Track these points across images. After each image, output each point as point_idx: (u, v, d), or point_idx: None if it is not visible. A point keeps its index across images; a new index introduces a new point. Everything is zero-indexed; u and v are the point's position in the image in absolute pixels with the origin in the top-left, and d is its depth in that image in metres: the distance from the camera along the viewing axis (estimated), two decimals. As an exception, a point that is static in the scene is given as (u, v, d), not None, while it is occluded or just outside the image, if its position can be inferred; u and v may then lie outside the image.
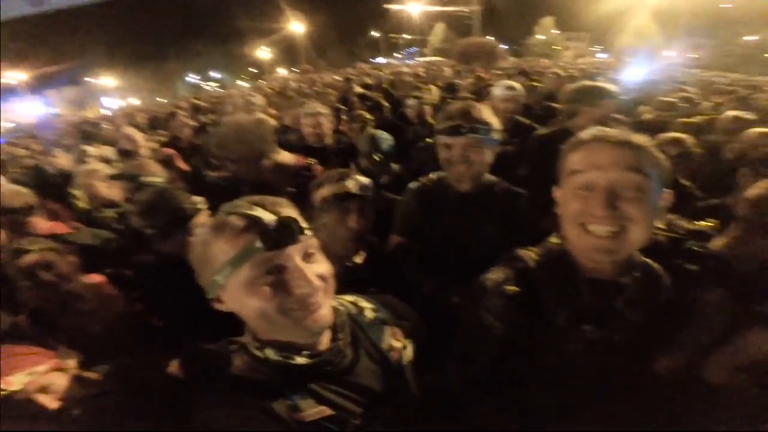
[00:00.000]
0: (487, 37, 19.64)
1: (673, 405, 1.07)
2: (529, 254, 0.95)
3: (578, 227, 0.82)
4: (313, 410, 0.70)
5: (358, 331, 0.84)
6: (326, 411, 0.71)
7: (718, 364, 1.18)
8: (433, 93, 4.54)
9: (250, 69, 44.54)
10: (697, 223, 1.57)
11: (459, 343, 0.99)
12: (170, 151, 3.17)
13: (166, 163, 2.79)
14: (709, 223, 1.55)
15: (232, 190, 1.57)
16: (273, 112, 3.93)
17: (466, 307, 0.98)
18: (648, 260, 0.94)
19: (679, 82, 5.54)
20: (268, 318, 0.67)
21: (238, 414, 0.67)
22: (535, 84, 4.66)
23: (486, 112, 1.43)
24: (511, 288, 0.89)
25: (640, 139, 0.82)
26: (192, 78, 47.51)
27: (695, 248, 1.45)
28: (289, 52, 38.89)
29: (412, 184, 1.59)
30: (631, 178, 0.77)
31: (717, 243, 1.42)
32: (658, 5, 30.52)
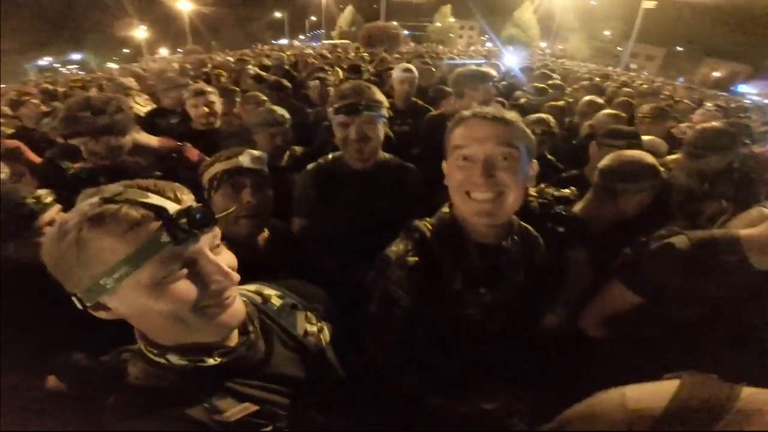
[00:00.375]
0: (392, 22, 19.93)
1: (561, 361, 1.23)
2: (425, 224, 1.00)
3: (462, 195, 0.90)
4: (235, 409, 0.64)
5: (267, 320, 0.79)
6: (250, 408, 0.66)
7: (588, 318, 1.38)
8: (337, 75, 4.46)
9: (123, 50, 38.51)
10: (561, 190, 1.82)
11: (370, 319, 1.00)
12: (14, 142, 2.61)
13: (12, 156, 2.29)
14: (570, 191, 1.80)
15: (91, 180, 1.35)
16: (145, 96, 3.49)
17: (372, 282, 1.00)
18: (525, 225, 1.06)
19: (549, 70, 6.32)
20: (179, 319, 0.58)
21: (153, 425, 0.59)
22: (430, 68, 4.87)
23: (377, 91, 1.46)
24: (412, 258, 0.93)
25: (511, 115, 0.91)
26: (45, 61, 39.14)
27: (561, 212, 1.68)
28: (173, 32, 34.51)
29: (309, 166, 1.56)
30: (504, 150, 0.87)
31: (576, 208, 1.64)
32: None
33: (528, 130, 0.93)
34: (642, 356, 1.22)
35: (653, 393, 0.56)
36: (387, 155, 1.57)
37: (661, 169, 1.60)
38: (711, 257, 1.16)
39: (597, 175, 1.60)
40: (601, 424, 0.57)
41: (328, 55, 8.64)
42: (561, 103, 3.23)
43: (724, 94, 17.26)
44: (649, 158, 1.61)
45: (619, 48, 31.75)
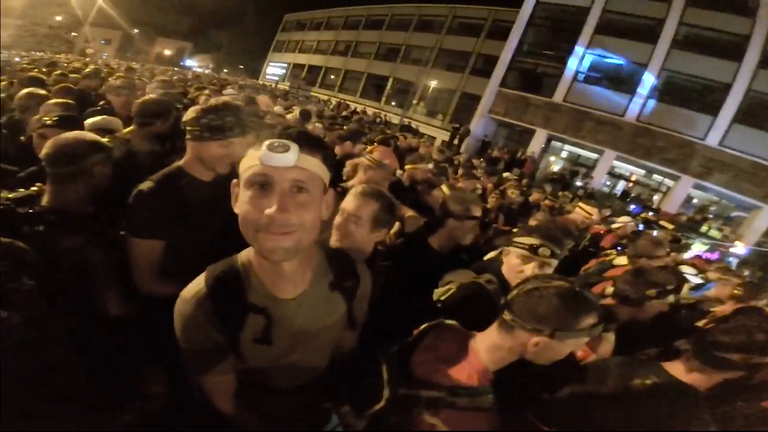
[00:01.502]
0: None
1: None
2: None
3: None
4: None
5: None
6: None
7: (140, 283, 1.57)
8: None
9: None
10: (21, 191, 1.70)
11: None
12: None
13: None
14: (36, 188, 1.72)
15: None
16: None
17: None
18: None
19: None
20: None
21: None
22: None
23: None
24: None
25: None
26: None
27: (29, 211, 1.61)
28: None
29: None
30: None
31: (43, 201, 1.62)
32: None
33: None
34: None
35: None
36: None
37: (103, 140, 1.84)
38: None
39: (45, 165, 1.62)
40: None
41: None
42: (-8, 102, 2.75)
43: (176, 68, 20.75)
44: (89, 136, 1.79)
45: (73, 34, 29.28)
